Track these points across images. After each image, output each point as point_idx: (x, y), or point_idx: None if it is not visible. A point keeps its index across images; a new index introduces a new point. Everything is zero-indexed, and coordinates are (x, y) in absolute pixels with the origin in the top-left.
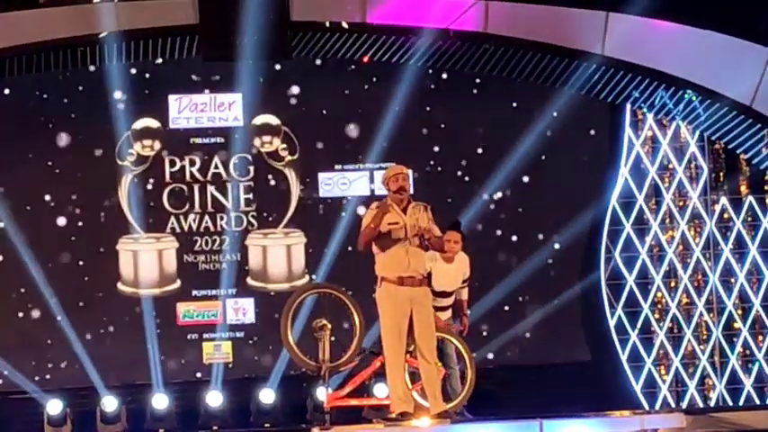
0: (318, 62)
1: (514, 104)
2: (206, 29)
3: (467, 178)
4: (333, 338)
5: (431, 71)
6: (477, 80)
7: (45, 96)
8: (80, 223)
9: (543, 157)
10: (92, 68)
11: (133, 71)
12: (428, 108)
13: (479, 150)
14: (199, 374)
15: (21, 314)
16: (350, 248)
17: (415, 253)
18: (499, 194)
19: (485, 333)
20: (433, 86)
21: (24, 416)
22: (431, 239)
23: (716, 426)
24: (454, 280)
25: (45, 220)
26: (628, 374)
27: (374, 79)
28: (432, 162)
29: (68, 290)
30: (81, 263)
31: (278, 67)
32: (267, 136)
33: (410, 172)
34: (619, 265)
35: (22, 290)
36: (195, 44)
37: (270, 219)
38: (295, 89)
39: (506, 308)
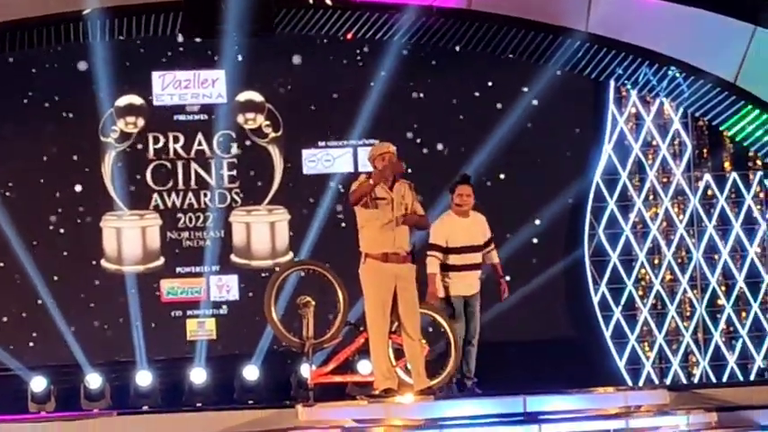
0: (302, 39)
1: (498, 81)
2: (189, 5)
3: (449, 155)
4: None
5: (415, 48)
6: (461, 57)
7: (29, 72)
8: (63, 200)
9: (527, 134)
10: (75, 45)
11: (117, 48)
12: (412, 84)
13: (462, 127)
14: (183, 352)
15: (4, 292)
16: (342, 223)
17: (400, 230)
18: (482, 171)
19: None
20: (416, 63)
21: (8, 393)
22: (416, 221)
23: (699, 402)
24: (474, 235)
25: (28, 197)
26: (611, 351)
27: (358, 56)
28: (414, 139)
29: (52, 267)
30: (64, 240)
31: (261, 43)
32: (251, 113)
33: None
34: (602, 241)
35: (1, 264)
36: (179, 21)
37: (253, 195)
38: (279, 65)
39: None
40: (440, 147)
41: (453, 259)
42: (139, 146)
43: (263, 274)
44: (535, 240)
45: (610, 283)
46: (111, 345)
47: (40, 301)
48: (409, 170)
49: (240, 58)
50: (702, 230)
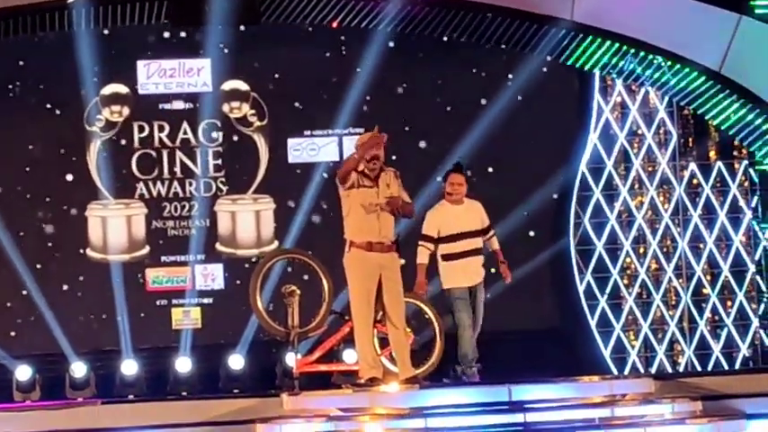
0: (287, 28)
1: (483, 70)
2: None
3: (434, 145)
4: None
5: (400, 37)
6: (446, 46)
7: (13, 61)
8: (48, 189)
9: (512, 124)
10: (60, 33)
11: (102, 36)
12: (397, 74)
13: (448, 116)
14: (168, 340)
15: None
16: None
17: (385, 219)
18: (467, 161)
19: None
20: (401, 52)
21: None
22: (401, 208)
23: (684, 391)
24: (469, 221)
25: (13, 186)
26: (597, 340)
27: (343, 44)
28: (400, 127)
29: (37, 256)
30: (49, 229)
31: (247, 32)
32: (236, 101)
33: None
34: (588, 230)
35: None
36: (164, 9)
37: (238, 184)
38: (264, 54)
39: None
40: (425, 136)
41: (450, 248)
42: (125, 135)
43: (245, 265)
44: (520, 229)
45: (595, 272)
46: (96, 334)
47: (24, 292)
48: (393, 156)
49: (226, 47)
50: (688, 219)
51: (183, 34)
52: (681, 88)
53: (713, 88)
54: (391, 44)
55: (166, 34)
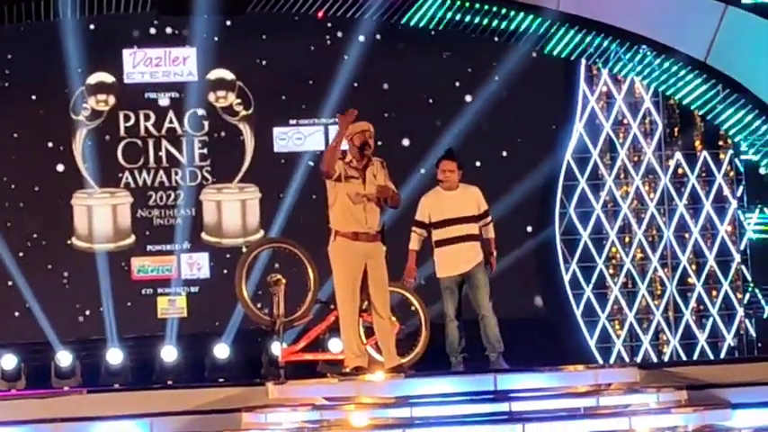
0: (273, 17)
1: (468, 60)
2: None
3: (419, 135)
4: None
5: (386, 26)
6: (432, 36)
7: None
8: (34, 178)
9: (498, 113)
10: (46, 23)
11: (88, 25)
12: (383, 63)
13: (434, 105)
14: (153, 329)
15: None
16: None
17: (371, 209)
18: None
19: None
20: (387, 41)
21: None
22: (389, 194)
23: (669, 380)
24: (461, 207)
25: None
26: (582, 329)
27: (329, 34)
28: (386, 116)
29: (22, 245)
30: (35, 218)
31: (233, 21)
32: (222, 90)
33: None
34: (573, 220)
35: None
36: None
37: (224, 173)
38: (250, 44)
39: None
40: (410, 125)
41: (439, 234)
42: (110, 124)
43: (227, 255)
44: (506, 219)
45: (580, 262)
46: (81, 323)
47: (10, 282)
48: (379, 142)
49: (212, 36)
50: (673, 209)
51: (169, 23)
52: (666, 78)
53: (699, 78)
54: (378, 35)
55: (152, 23)
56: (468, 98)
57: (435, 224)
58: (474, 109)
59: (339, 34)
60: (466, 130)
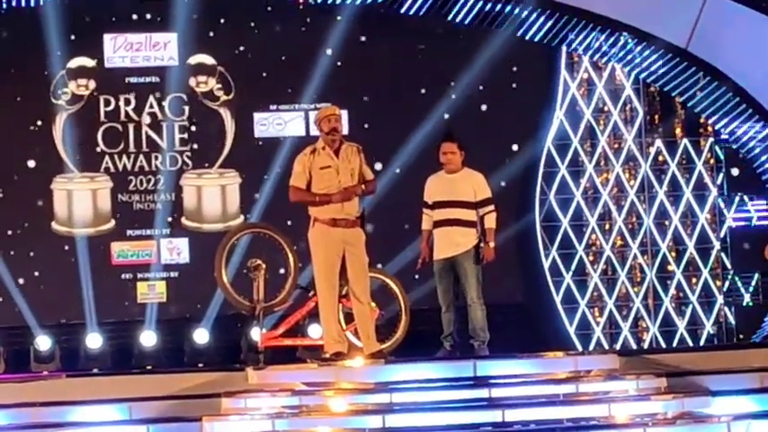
0: (254, 2)
1: (449, 47)
2: None
3: (399, 121)
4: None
5: (366, 12)
6: (412, 22)
7: None
8: (13, 162)
9: (479, 99)
10: (27, 8)
11: (69, 9)
12: (363, 49)
13: (414, 92)
14: (133, 314)
15: None
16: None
17: None
18: (433, 137)
19: (417, 276)
20: (368, 28)
21: None
22: (365, 189)
23: (649, 367)
24: (457, 191)
25: None
26: (562, 316)
27: (309, 19)
28: (366, 103)
29: (2, 229)
30: (15, 202)
31: (214, 6)
32: (202, 76)
33: (345, 112)
34: (553, 206)
35: None
36: None
37: (204, 158)
38: (231, 29)
39: None
40: (390, 112)
41: (435, 215)
42: (91, 108)
43: (207, 240)
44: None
45: (560, 249)
46: (61, 307)
47: None
48: (365, 125)
49: (192, 21)
50: (653, 196)
51: (149, 7)
52: (647, 65)
53: (679, 65)
54: (358, 20)
55: (134, 8)
56: (450, 78)
57: (434, 205)
58: (455, 96)
59: (319, 19)
60: (447, 117)
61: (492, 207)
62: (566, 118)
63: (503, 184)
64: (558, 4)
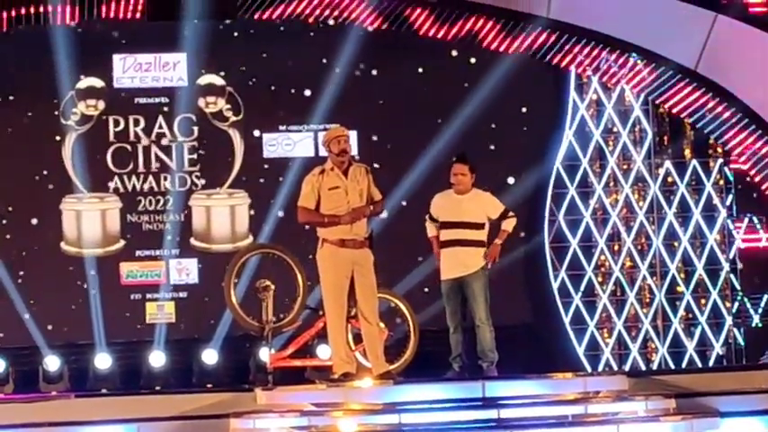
0: (263, 22)
1: (459, 68)
2: None
3: (411, 139)
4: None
5: (376, 34)
6: (422, 43)
7: None
8: (24, 182)
9: (488, 120)
10: (36, 28)
11: (78, 30)
12: (373, 70)
13: (423, 112)
14: (142, 335)
15: None
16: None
17: None
18: (443, 157)
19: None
20: (377, 49)
21: None
22: (373, 210)
23: (658, 388)
24: (466, 212)
25: None
26: (571, 337)
27: (319, 40)
28: (376, 123)
29: (12, 249)
30: (25, 222)
31: (223, 27)
32: (212, 96)
33: (354, 133)
34: (563, 227)
35: None
36: (141, 3)
37: (213, 179)
38: (240, 49)
39: None
40: (400, 133)
41: (443, 235)
42: (100, 128)
43: (216, 261)
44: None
45: (569, 270)
46: (70, 327)
47: None
48: (374, 146)
49: (202, 41)
50: (662, 217)
51: (159, 28)
52: (656, 86)
53: (689, 86)
54: (368, 42)
55: (143, 28)
56: (460, 99)
57: (441, 225)
58: (464, 117)
59: (329, 40)
60: (456, 138)
61: (512, 213)
62: (575, 139)
63: (511, 205)
64: (568, 24)
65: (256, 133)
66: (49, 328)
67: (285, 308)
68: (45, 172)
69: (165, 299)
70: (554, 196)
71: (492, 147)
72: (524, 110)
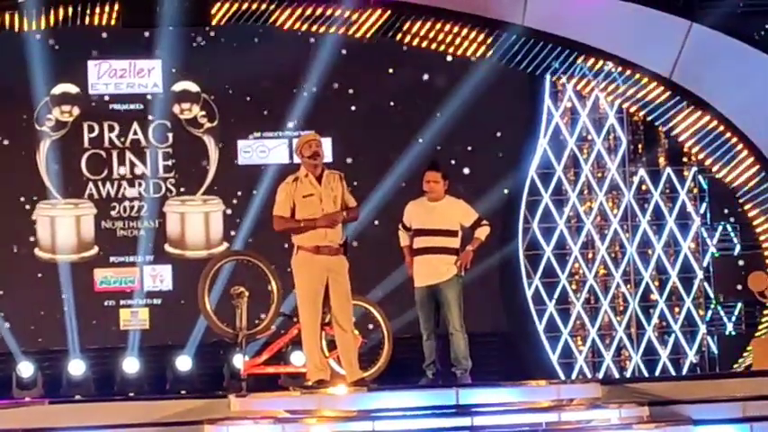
0: (238, 29)
1: (434, 75)
2: None
3: (385, 147)
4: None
5: (351, 41)
6: (397, 51)
7: None
8: None
9: (462, 127)
10: (10, 33)
11: (53, 36)
12: (347, 77)
13: (398, 120)
14: (116, 341)
15: None
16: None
17: None
18: (417, 165)
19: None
20: (352, 55)
21: None
22: (347, 216)
23: (631, 396)
24: (438, 220)
25: None
26: (544, 345)
27: (294, 47)
28: (350, 131)
29: None
30: None
31: (198, 34)
32: (186, 103)
33: (329, 140)
34: (537, 235)
35: None
36: (116, 10)
37: (188, 185)
38: (215, 56)
39: None
40: (376, 140)
41: (416, 243)
42: (74, 135)
43: (190, 267)
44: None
45: (543, 277)
46: (43, 333)
47: None
48: (349, 158)
49: (177, 48)
50: (636, 225)
51: (134, 35)
52: (631, 94)
53: (663, 95)
54: (343, 50)
55: (118, 35)
56: (434, 106)
57: (415, 232)
58: (439, 124)
59: (304, 47)
60: (431, 145)
61: (485, 222)
62: (549, 146)
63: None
64: (543, 32)
65: (231, 140)
66: (23, 334)
67: (259, 314)
68: (19, 178)
69: (140, 305)
70: (528, 203)
71: (466, 154)
72: (499, 117)
